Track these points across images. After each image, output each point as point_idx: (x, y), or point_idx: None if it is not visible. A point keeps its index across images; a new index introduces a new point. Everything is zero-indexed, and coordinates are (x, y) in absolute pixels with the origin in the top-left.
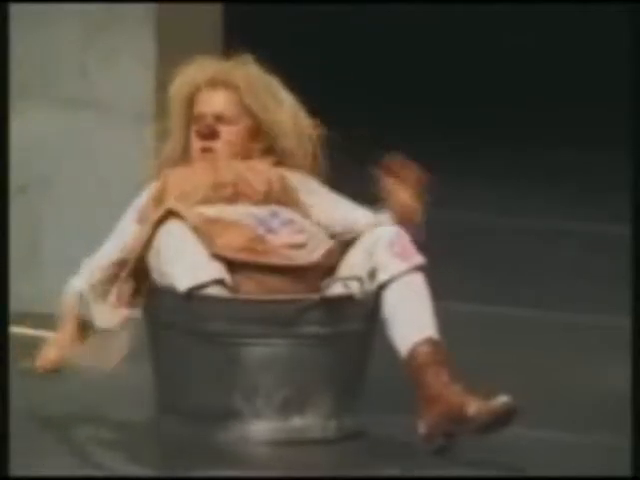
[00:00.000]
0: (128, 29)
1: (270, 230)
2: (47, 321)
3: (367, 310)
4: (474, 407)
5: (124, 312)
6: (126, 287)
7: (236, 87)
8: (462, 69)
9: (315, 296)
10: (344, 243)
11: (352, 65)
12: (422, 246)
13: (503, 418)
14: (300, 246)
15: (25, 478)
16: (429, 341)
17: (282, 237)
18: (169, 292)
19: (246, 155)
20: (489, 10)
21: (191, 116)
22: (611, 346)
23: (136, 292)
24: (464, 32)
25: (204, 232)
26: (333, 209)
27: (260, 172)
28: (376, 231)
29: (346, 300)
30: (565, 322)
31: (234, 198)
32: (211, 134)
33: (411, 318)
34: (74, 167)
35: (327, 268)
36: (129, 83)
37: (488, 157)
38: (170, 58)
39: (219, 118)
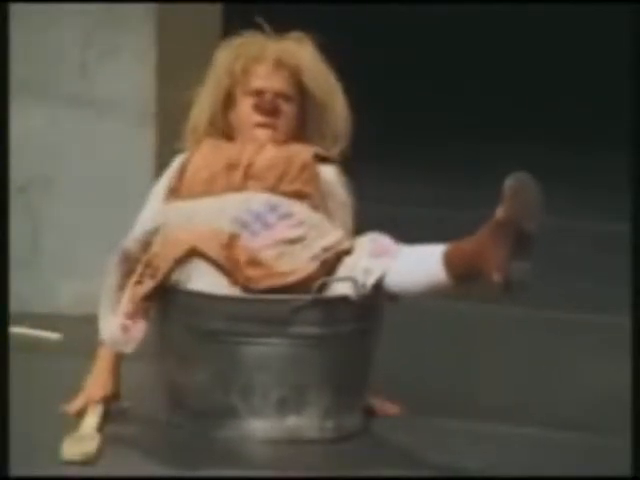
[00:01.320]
0: (128, 28)
1: (266, 225)
2: (47, 321)
3: (363, 311)
4: (499, 212)
5: (136, 333)
6: (140, 305)
7: (297, 66)
8: (461, 70)
9: (307, 296)
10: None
11: (352, 65)
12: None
13: (518, 190)
14: (296, 240)
15: (25, 478)
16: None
17: (276, 232)
18: (171, 290)
19: (299, 135)
20: (489, 10)
21: (235, 88)
22: (611, 346)
23: (147, 312)
24: (463, 31)
25: (224, 268)
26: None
27: (275, 156)
28: (358, 243)
29: (341, 301)
30: (565, 322)
31: (242, 183)
32: (274, 110)
33: (421, 257)
34: (74, 166)
35: (324, 274)
36: (129, 82)
37: (487, 156)
38: (170, 58)
39: (279, 95)
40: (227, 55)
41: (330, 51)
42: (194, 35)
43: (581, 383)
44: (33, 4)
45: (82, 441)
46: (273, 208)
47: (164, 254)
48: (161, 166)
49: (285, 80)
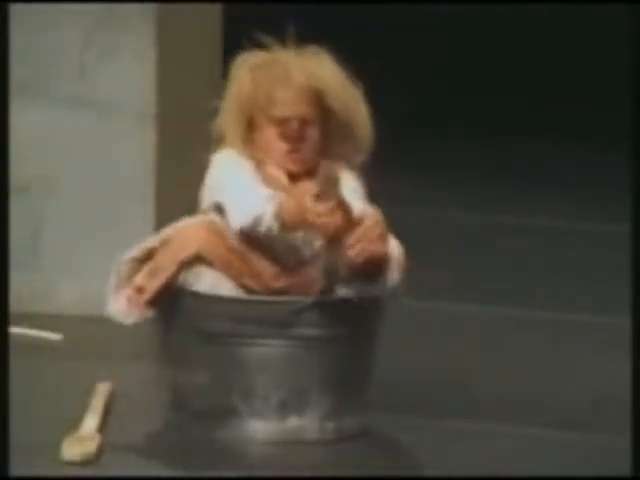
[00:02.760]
0: (128, 28)
1: (302, 262)
2: (47, 321)
3: (363, 313)
4: None
5: (136, 312)
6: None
7: (322, 90)
8: (461, 70)
9: (308, 299)
10: None
11: (352, 65)
12: (421, 245)
13: None
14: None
15: (25, 478)
16: None
17: (309, 273)
18: (172, 291)
19: (324, 153)
20: (489, 10)
21: (257, 113)
22: (611, 346)
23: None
24: (463, 31)
25: (230, 273)
26: None
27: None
28: None
29: (341, 303)
30: (565, 322)
31: None
32: (300, 138)
33: None
34: (74, 167)
35: None
36: (129, 82)
37: (487, 156)
38: (170, 58)
39: (304, 121)
40: (247, 78)
41: (330, 51)
42: (194, 35)
43: (581, 383)
44: (33, 4)
45: (82, 441)
46: (306, 243)
47: (169, 252)
48: (161, 166)
49: (310, 105)
